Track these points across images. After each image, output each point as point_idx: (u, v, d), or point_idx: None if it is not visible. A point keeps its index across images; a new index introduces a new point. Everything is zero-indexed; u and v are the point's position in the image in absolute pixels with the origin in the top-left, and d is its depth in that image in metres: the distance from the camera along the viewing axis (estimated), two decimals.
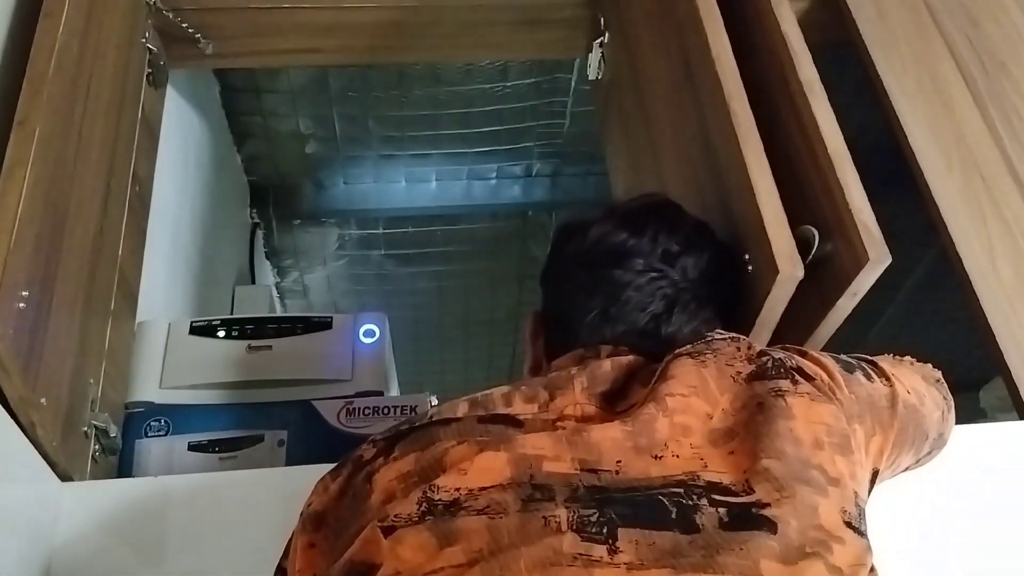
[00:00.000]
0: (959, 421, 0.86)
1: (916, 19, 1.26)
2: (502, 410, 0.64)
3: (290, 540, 0.67)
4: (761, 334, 0.87)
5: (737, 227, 0.89)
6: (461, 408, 0.65)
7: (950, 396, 0.84)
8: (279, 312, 2.63)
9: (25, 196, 0.84)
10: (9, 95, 0.92)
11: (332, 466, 0.67)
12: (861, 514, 0.62)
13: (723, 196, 0.94)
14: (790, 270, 0.80)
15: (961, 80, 1.21)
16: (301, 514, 0.66)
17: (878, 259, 0.79)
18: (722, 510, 0.57)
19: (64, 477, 0.91)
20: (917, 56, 1.22)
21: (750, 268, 0.85)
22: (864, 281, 0.81)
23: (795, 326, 0.87)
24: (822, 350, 0.77)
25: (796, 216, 0.84)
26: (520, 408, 0.64)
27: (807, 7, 1.32)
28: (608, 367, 0.68)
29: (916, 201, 1.11)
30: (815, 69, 0.92)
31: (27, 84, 0.91)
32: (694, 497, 0.57)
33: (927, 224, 1.10)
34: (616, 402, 0.66)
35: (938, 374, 0.85)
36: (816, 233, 0.84)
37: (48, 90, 0.92)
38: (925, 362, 0.86)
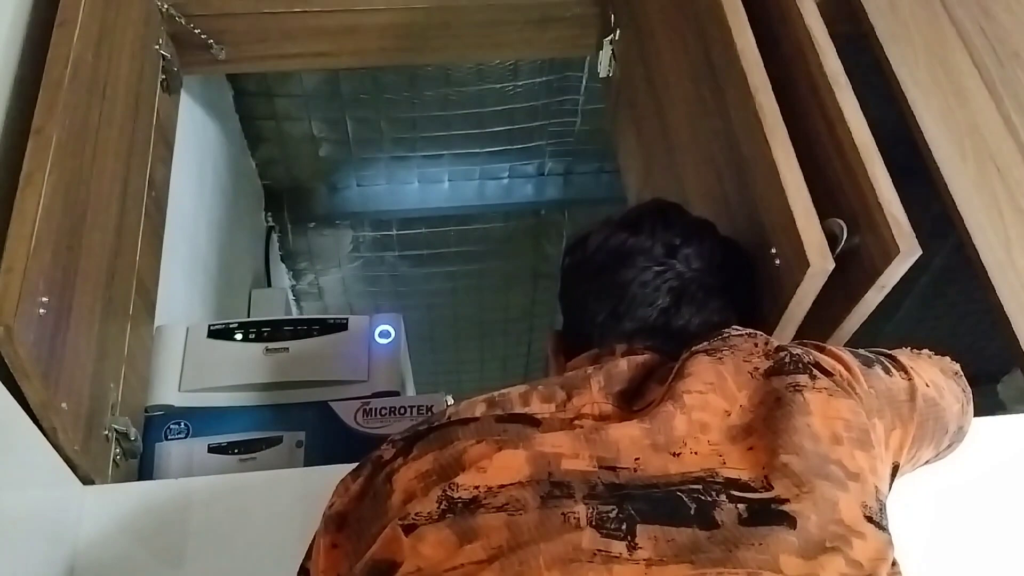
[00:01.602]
0: (977, 413, 0.86)
1: (928, 10, 1.25)
2: (520, 409, 0.65)
3: (313, 540, 0.67)
4: (787, 328, 0.87)
5: (762, 221, 0.89)
6: (479, 408, 0.65)
7: (969, 389, 0.83)
8: (295, 314, 2.64)
9: (43, 204, 0.85)
10: (26, 103, 0.93)
11: (351, 466, 0.68)
12: (882, 509, 0.61)
13: (747, 190, 0.94)
14: (821, 263, 0.80)
15: (974, 70, 1.20)
16: (323, 515, 0.66)
17: (908, 251, 0.79)
18: (741, 506, 0.57)
19: (86, 480, 0.93)
20: (930, 47, 1.21)
21: (777, 262, 0.85)
22: (893, 274, 0.81)
23: (820, 320, 0.87)
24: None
25: (822, 209, 0.84)
26: (537, 407, 0.65)
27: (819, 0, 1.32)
28: (624, 366, 0.68)
29: (931, 192, 1.11)
30: (840, 62, 0.92)
31: (43, 93, 0.92)
32: (713, 493, 0.57)
33: (943, 215, 1.09)
34: (633, 401, 0.66)
35: (956, 367, 0.84)
36: (844, 226, 0.84)
37: (64, 98, 0.92)
38: (943, 354, 0.86)
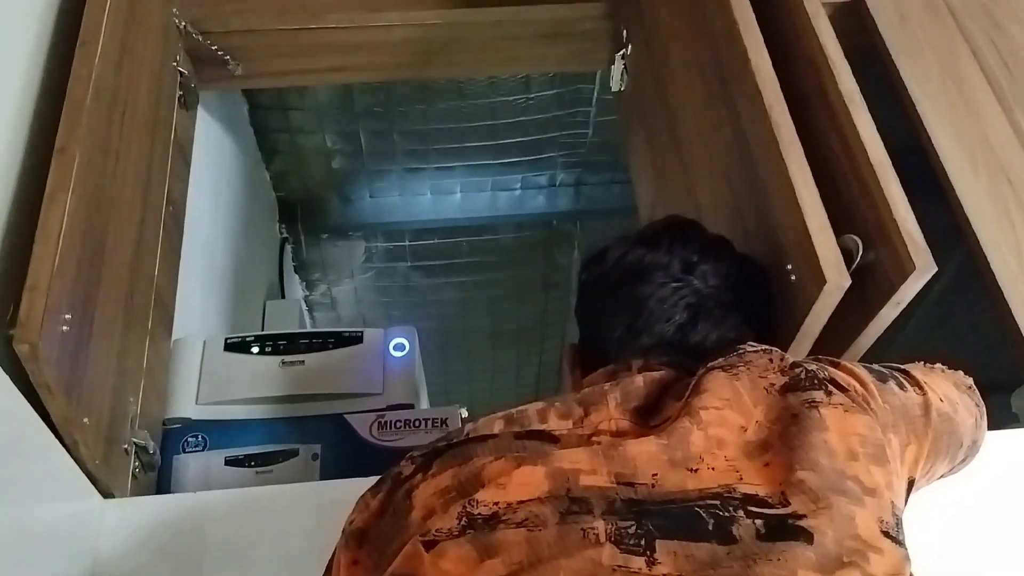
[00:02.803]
0: (990, 426, 0.86)
1: (939, 23, 1.25)
2: (537, 426, 0.65)
3: (332, 556, 0.68)
4: (803, 343, 0.87)
5: (777, 237, 0.90)
6: (497, 425, 0.66)
7: (982, 403, 0.84)
8: (308, 325, 2.66)
9: (66, 222, 0.86)
10: (48, 123, 0.94)
11: (368, 480, 0.69)
12: (899, 524, 0.62)
13: (761, 206, 0.94)
14: (837, 279, 0.80)
15: (985, 83, 1.20)
16: (343, 530, 0.67)
17: (924, 268, 0.79)
18: (759, 521, 0.57)
19: (106, 494, 0.94)
20: (941, 60, 1.21)
21: (793, 278, 0.86)
22: (909, 290, 0.81)
23: (835, 335, 0.87)
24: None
25: (837, 225, 0.85)
26: (555, 424, 0.65)
27: (830, 14, 1.32)
28: (640, 382, 0.69)
29: (942, 204, 1.11)
30: (854, 80, 0.93)
31: (66, 112, 0.93)
32: (730, 509, 0.58)
33: (954, 227, 1.10)
34: (650, 417, 0.67)
35: (969, 381, 0.85)
36: (860, 242, 0.84)
37: (86, 117, 0.94)
38: (955, 366, 0.86)
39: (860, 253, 0.84)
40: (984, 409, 0.84)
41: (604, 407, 0.66)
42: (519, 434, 0.64)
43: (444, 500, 0.60)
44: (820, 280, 0.81)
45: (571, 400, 0.68)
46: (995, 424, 0.89)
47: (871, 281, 0.84)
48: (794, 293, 0.86)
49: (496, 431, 0.65)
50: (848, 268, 0.82)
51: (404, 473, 0.65)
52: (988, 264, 1.04)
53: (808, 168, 0.88)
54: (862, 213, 0.87)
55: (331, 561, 0.68)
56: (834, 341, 0.88)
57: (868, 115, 0.90)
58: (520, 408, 0.67)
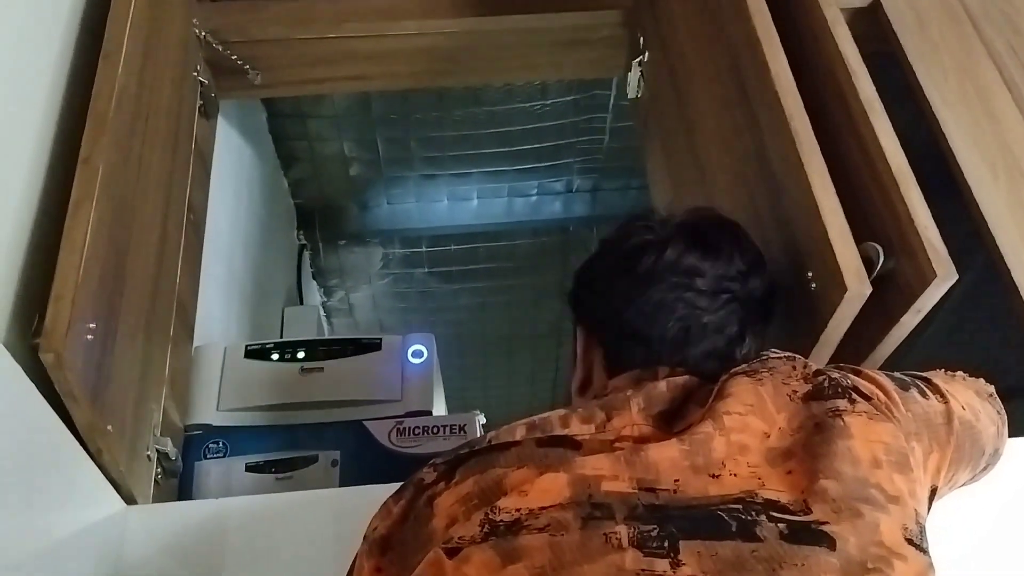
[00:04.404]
0: (1010, 432, 0.86)
1: (957, 28, 1.25)
2: (560, 431, 0.65)
3: (352, 564, 0.68)
4: (823, 351, 0.87)
5: (798, 245, 0.89)
6: (519, 432, 0.66)
7: (1003, 410, 0.83)
8: (326, 330, 2.67)
9: (91, 232, 0.87)
10: (72, 134, 0.96)
11: (388, 486, 0.69)
12: (922, 531, 0.62)
13: (781, 214, 0.94)
14: (858, 287, 0.80)
15: (1004, 88, 1.20)
16: (366, 537, 0.67)
17: (945, 276, 0.79)
18: (781, 525, 0.57)
19: (129, 500, 0.95)
20: (959, 65, 1.21)
21: (813, 286, 0.86)
22: (930, 298, 0.81)
23: (856, 343, 0.87)
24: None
25: (858, 233, 0.84)
26: (577, 429, 0.65)
27: (847, 18, 1.32)
28: (664, 387, 0.69)
29: (960, 208, 1.11)
30: (874, 87, 0.93)
31: (90, 123, 0.94)
32: (753, 513, 0.58)
33: (972, 233, 1.09)
34: (674, 422, 0.67)
35: (991, 389, 0.84)
36: (880, 250, 0.84)
37: (110, 128, 0.95)
38: (974, 372, 0.86)
39: (881, 261, 0.84)
40: (1006, 416, 0.83)
41: (627, 412, 0.66)
42: (541, 440, 0.64)
43: (466, 508, 0.60)
44: (841, 288, 0.80)
45: (594, 405, 0.68)
46: (1016, 430, 0.89)
47: (892, 289, 0.84)
48: (815, 301, 0.85)
49: (518, 438, 0.65)
50: (869, 276, 0.82)
51: (427, 480, 0.65)
52: (1008, 270, 1.04)
53: (828, 176, 0.87)
54: (883, 221, 0.86)
55: (352, 568, 0.68)
56: (854, 349, 0.87)
57: (888, 122, 0.90)
58: (542, 416, 0.67)
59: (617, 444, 0.64)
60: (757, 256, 0.80)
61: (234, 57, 1.41)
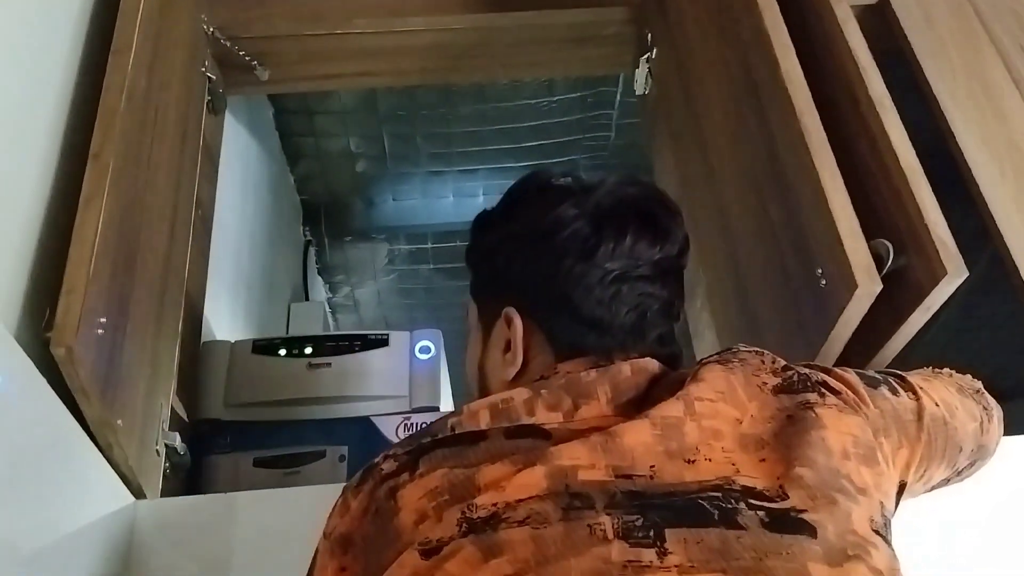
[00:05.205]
0: (1013, 430, 0.85)
1: (966, 26, 1.24)
2: (526, 420, 0.64)
3: (313, 560, 0.66)
4: (832, 347, 0.87)
5: (808, 242, 0.90)
6: (483, 417, 0.64)
7: (992, 406, 0.82)
8: (331, 326, 2.68)
9: (101, 227, 0.87)
10: (82, 130, 0.96)
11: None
12: (887, 524, 0.63)
13: (791, 211, 0.95)
14: (868, 284, 0.81)
15: (1013, 86, 1.19)
16: (326, 535, 0.64)
17: (955, 273, 0.79)
18: (761, 513, 0.57)
19: (138, 495, 0.95)
20: (967, 63, 1.21)
21: (823, 283, 0.86)
22: (940, 295, 0.81)
23: (865, 339, 0.87)
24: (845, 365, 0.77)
25: (868, 230, 0.85)
26: (544, 417, 0.64)
27: (855, 16, 1.32)
28: (628, 371, 0.68)
29: (967, 206, 1.11)
30: (884, 84, 0.93)
31: (100, 119, 0.95)
32: (732, 500, 0.58)
33: (980, 230, 1.09)
34: (643, 407, 0.65)
35: (978, 385, 0.84)
36: (890, 247, 0.84)
37: (119, 124, 0.95)
38: (978, 370, 0.85)
39: (891, 258, 0.84)
40: (995, 412, 0.82)
41: (595, 402, 0.65)
42: (509, 431, 0.63)
43: (436, 503, 0.58)
44: (851, 285, 0.81)
45: (559, 390, 0.66)
46: (1018, 428, 0.89)
47: (902, 286, 0.84)
48: (824, 298, 0.86)
49: (483, 425, 0.63)
50: (879, 273, 0.82)
51: (386, 470, 0.62)
52: (1015, 268, 1.04)
53: (839, 174, 0.88)
54: (893, 218, 0.87)
55: (312, 565, 0.65)
56: (864, 345, 0.87)
57: (898, 120, 0.90)
58: (504, 396, 0.65)
59: (587, 433, 0.62)
60: (684, 229, 0.77)
61: (242, 53, 1.41)
